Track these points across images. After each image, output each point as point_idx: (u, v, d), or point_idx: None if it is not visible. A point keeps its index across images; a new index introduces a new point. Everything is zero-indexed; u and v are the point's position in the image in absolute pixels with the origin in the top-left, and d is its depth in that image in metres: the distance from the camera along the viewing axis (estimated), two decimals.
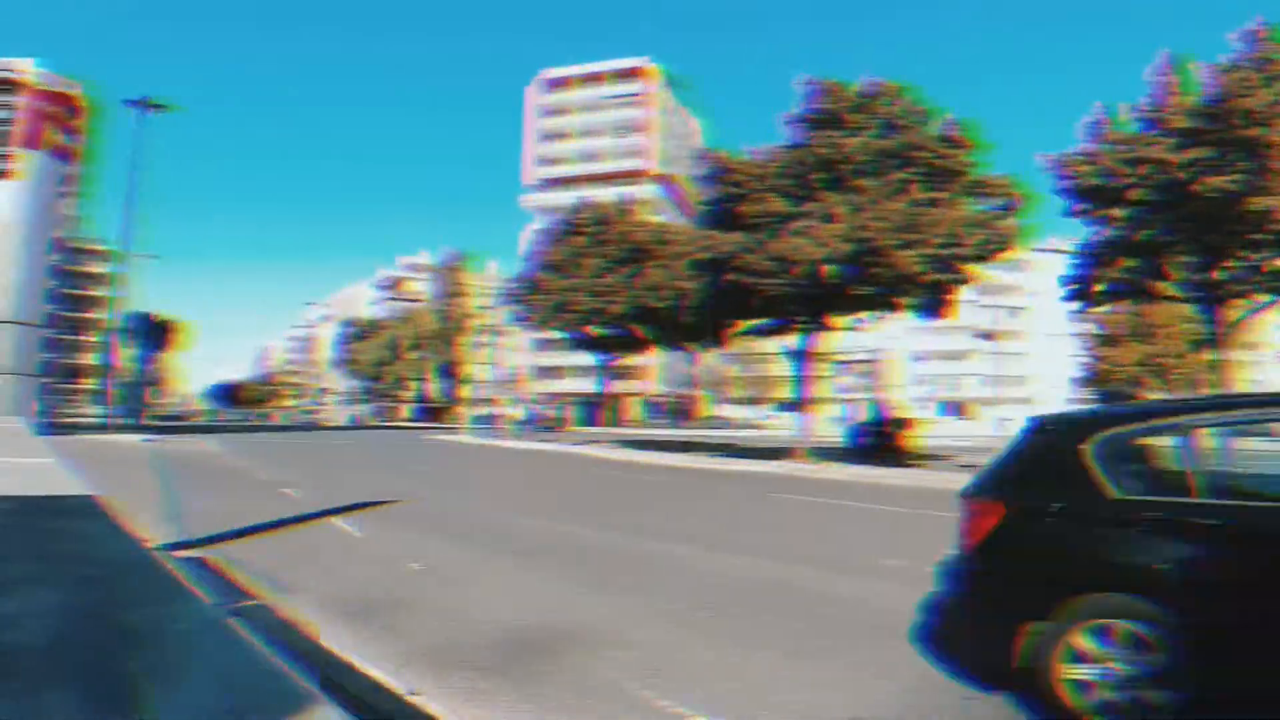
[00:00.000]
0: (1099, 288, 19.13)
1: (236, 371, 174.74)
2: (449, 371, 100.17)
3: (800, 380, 26.21)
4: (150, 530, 8.70)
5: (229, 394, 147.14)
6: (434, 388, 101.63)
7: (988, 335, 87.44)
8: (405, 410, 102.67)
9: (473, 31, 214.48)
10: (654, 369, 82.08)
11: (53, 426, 37.37)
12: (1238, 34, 16.00)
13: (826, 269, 21.32)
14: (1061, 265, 20.30)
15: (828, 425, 43.94)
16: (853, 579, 7.70)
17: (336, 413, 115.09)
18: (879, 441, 28.30)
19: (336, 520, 11.10)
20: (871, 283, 21.82)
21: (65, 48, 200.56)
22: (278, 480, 17.32)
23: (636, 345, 35.89)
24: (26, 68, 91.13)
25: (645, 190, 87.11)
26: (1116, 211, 17.33)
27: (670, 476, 20.95)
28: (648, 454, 28.33)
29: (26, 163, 38.18)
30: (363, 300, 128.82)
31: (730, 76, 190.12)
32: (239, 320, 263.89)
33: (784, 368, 47.00)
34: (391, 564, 8.22)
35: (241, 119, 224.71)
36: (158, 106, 37.29)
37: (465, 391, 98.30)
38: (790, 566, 8.30)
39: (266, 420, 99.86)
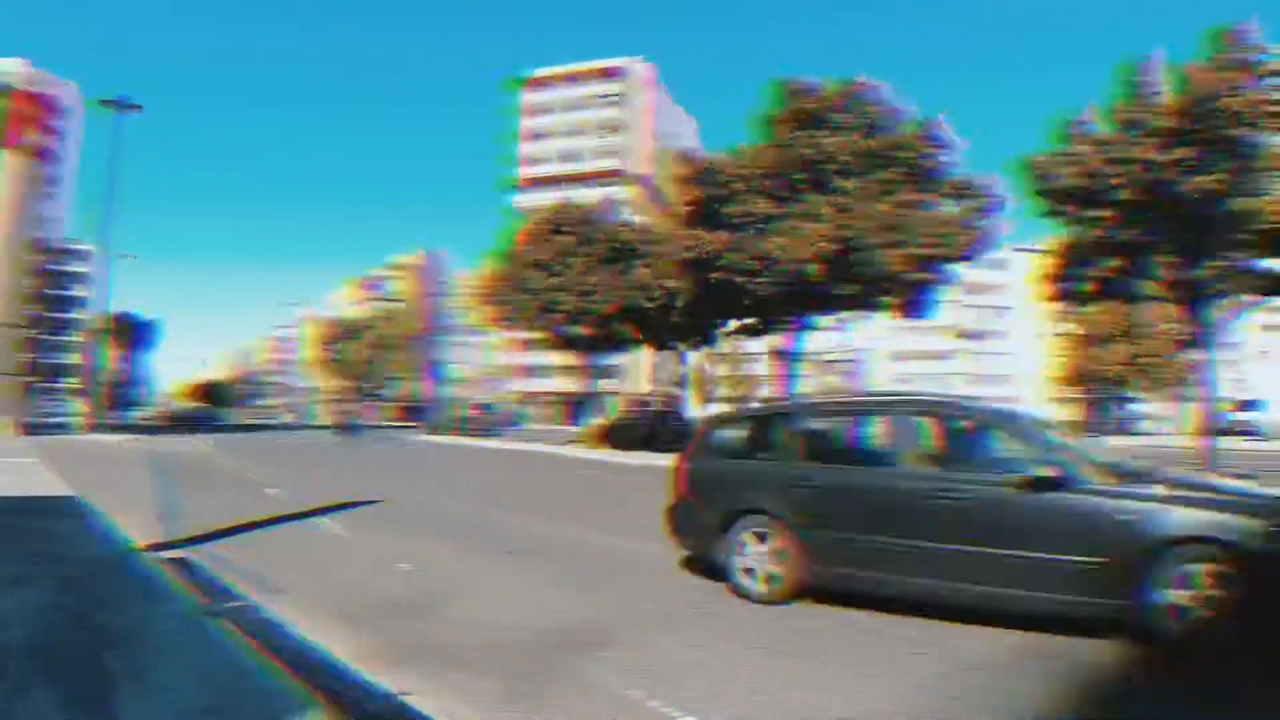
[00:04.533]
0: (1082, 288, 19.20)
1: (219, 371, 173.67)
2: (433, 371, 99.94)
3: (786, 379, 26.23)
4: (134, 530, 8.64)
5: (212, 394, 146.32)
6: (418, 387, 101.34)
7: (971, 335, 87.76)
8: (389, 410, 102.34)
9: (458, 30, 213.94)
10: (641, 368, 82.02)
11: (34, 427, 37.10)
12: (1221, 34, 16.11)
13: (811, 268, 21.38)
14: (1044, 265, 20.37)
15: None
16: None
17: (322, 411, 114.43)
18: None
19: (322, 520, 11.05)
20: (855, 282, 21.92)
21: (42, 46, 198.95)
22: (263, 480, 17.23)
23: (622, 345, 35.87)
24: (5, 67, 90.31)
25: (631, 189, 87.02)
26: (1099, 212, 17.40)
27: (652, 476, 20.93)
28: (630, 453, 28.32)
29: (5, 162, 37.83)
30: (346, 300, 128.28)
31: (717, 75, 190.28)
32: (221, 320, 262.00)
33: (770, 367, 47.07)
34: (378, 564, 8.18)
35: (223, 118, 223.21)
36: (133, 107, 37.08)
37: (449, 391, 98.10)
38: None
39: (247, 420, 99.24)
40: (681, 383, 37.26)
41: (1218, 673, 4.90)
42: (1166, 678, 4.93)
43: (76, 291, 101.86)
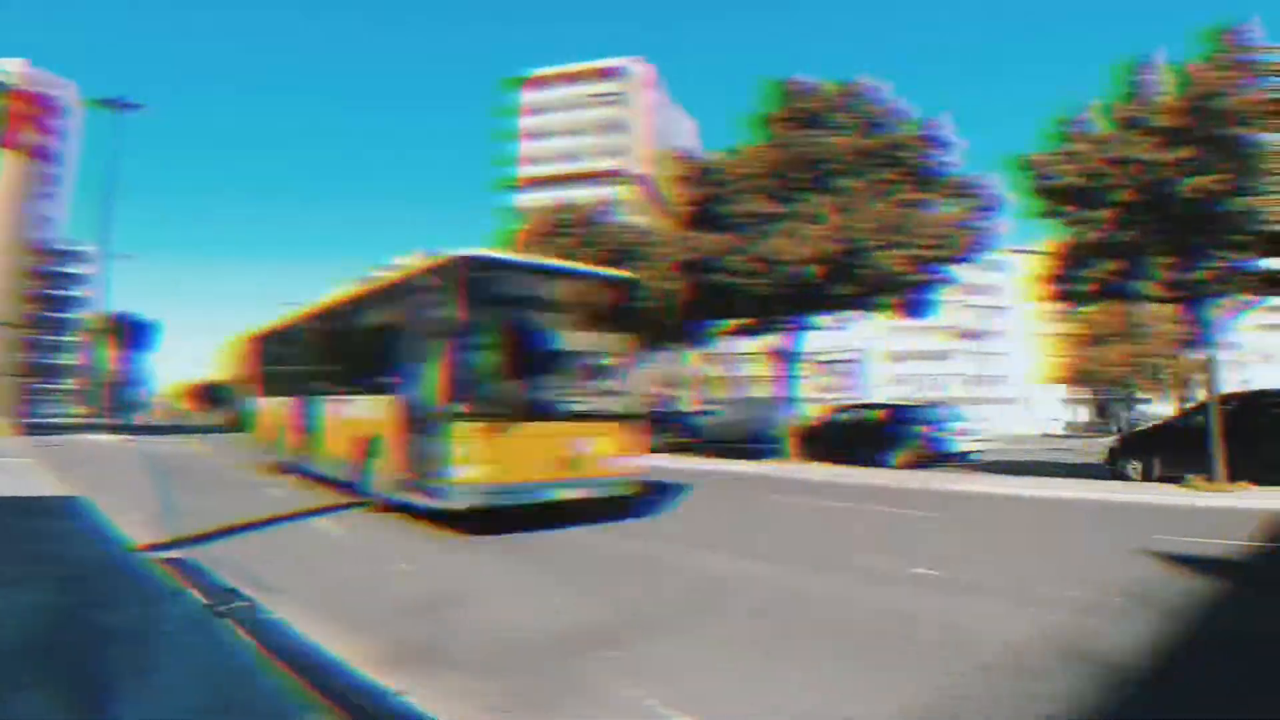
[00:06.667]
0: (1081, 288, 19.16)
1: (219, 371, 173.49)
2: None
3: (782, 380, 26.21)
4: (133, 530, 8.62)
5: (211, 394, 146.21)
6: None
7: (969, 335, 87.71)
8: None
9: (459, 28, 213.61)
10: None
11: (33, 427, 37.07)
12: (1219, 33, 16.09)
13: (810, 269, 21.32)
14: (1043, 265, 20.33)
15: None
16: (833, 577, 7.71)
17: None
18: None
19: (323, 520, 11.03)
20: (855, 283, 21.85)
21: (40, 44, 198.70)
22: (263, 479, 17.20)
23: None
24: (4, 66, 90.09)
25: (629, 189, 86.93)
26: (1097, 212, 17.36)
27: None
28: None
29: (4, 163, 37.76)
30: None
31: (716, 75, 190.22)
32: (222, 319, 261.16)
33: (766, 368, 47.09)
34: (379, 564, 8.18)
35: (226, 116, 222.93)
36: (132, 106, 36.96)
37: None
38: (777, 565, 8.31)
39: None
40: (677, 383, 37.14)
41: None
42: (1183, 679, 4.92)
43: (75, 292, 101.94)
